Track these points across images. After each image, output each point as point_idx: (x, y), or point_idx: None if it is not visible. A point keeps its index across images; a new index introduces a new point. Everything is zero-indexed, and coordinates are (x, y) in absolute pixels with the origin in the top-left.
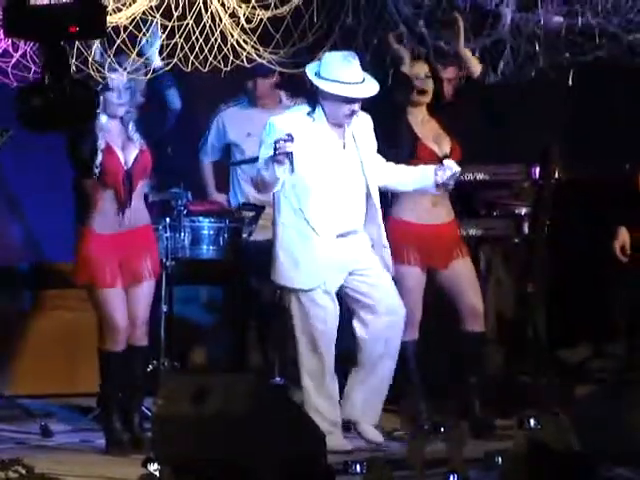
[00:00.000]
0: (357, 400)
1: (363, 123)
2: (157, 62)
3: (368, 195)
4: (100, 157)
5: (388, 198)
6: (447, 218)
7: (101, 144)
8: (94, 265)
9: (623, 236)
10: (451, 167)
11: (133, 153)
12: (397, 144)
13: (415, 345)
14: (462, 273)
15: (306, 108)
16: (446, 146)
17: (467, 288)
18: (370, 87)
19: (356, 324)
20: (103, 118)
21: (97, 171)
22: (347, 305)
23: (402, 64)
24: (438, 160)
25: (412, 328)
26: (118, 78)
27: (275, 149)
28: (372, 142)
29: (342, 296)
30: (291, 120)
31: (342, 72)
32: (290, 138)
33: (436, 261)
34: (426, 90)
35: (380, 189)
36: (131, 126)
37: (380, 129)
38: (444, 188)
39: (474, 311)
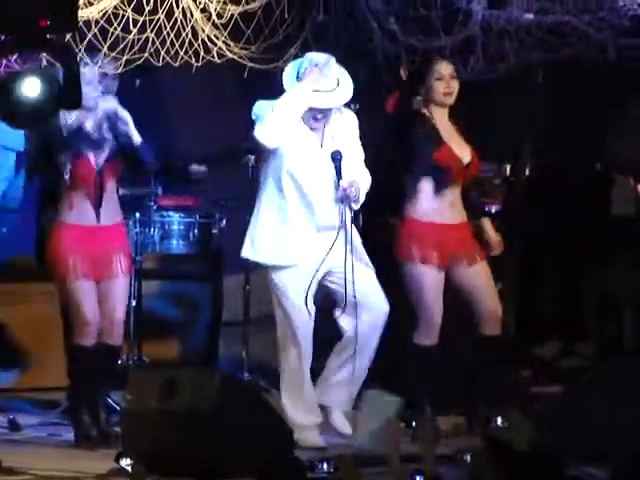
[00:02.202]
0: (332, 386)
1: (346, 121)
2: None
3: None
4: (70, 160)
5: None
6: (462, 219)
7: (73, 144)
8: (65, 259)
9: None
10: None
11: (104, 155)
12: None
13: (433, 351)
14: (482, 275)
15: None
16: (465, 150)
17: (488, 291)
18: (342, 93)
19: (338, 317)
20: (73, 116)
21: (67, 175)
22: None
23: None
24: (458, 163)
25: (430, 332)
26: (91, 71)
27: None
28: (353, 141)
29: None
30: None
31: (314, 79)
32: None
33: (457, 260)
34: (451, 92)
35: None
36: (104, 125)
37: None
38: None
39: (494, 315)
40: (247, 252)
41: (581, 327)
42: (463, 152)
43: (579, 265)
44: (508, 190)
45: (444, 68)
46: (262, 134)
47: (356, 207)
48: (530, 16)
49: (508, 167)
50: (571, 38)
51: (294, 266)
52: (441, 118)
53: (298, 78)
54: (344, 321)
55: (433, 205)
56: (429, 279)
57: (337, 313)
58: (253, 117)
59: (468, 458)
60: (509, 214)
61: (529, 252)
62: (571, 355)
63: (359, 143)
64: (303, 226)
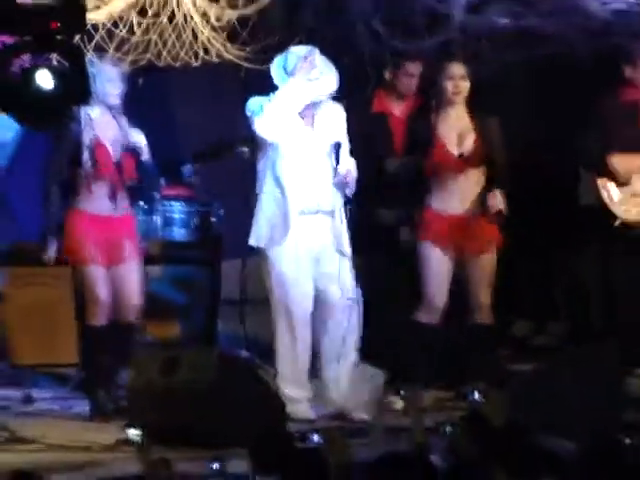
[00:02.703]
0: (326, 362)
1: (334, 113)
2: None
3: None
4: (90, 151)
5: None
6: (478, 211)
7: (92, 139)
8: (81, 244)
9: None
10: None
11: (122, 148)
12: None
13: (431, 330)
14: (487, 267)
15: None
16: (468, 143)
17: (486, 283)
18: (326, 83)
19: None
20: (96, 111)
21: (89, 164)
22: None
23: None
24: (457, 159)
25: (431, 311)
26: (112, 70)
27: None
28: (341, 132)
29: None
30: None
31: (299, 70)
32: None
33: (464, 249)
34: (460, 91)
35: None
36: (124, 121)
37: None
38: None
39: (482, 304)
40: (251, 240)
41: (553, 308)
42: (463, 143)
43: (551, 251)
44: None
45: (455, 69)
46: (263, 127)
47: (350, 193)
48: (505, 20)
49: None
50: (543, 40)
51: (288, 247)
52: (450, 115)
53: (287, 72)
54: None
55: (443, 195)
56: (435, 260)
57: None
58: (248, 113)
59: (448, 429)
60: None
61: (504, 240)
62: (543, 334)
63: (346, 134)
64: (297, 211)
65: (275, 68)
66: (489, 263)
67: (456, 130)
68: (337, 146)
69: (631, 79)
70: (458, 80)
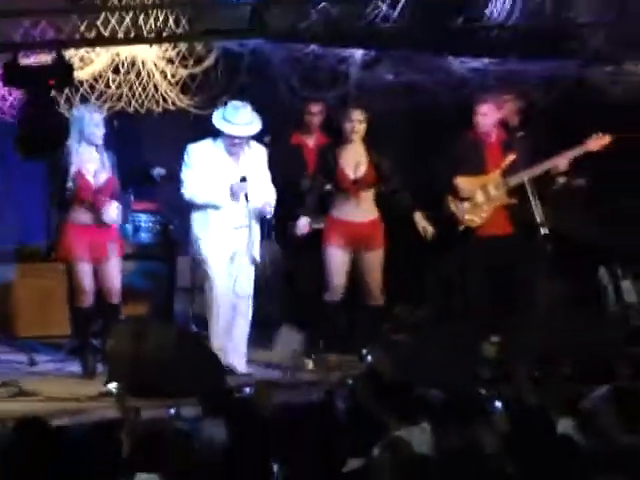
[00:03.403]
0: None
1: (257, 154)
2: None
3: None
4: (73, 180)
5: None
6: (371, 216)
7: (74, 169)
8: (70, 247)
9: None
10: (300, 228)
11: (103, 176)
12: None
13: (335, 306)
14: (376, 259)
15: (212, 138)
16: (360, 170)
17: (377, 273)
18: (252, 128)
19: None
20: (81, 147)
21: (70, 190)
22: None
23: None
24: (352, 182)
25: (334, 294)
26: (99, 116)
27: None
28: (262, 169)
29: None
30: (202, 146)
31: (232, 117)
32: (244, 180)
33: (358, 247)
34: (357, 131)
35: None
36: (105, 155)
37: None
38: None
39: (372, 290)
40: (191, 249)
41: (424, 296)
42: (358, 170)
43: (423, 251)
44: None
45: (354, 114)
46: (189, 196)
47: (269, 216)
48: (391, 76)
49: None
50: (419, 92)
51: (215, 253)
52: (349, 149)
53: (225, 119)
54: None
55: (343, 207)
56: (335, 256)
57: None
58: (185, 158)
59: (350, 381)
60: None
61: (389, 243)
62: (417, 313)
63: (266, 168)
64: (220, 227)
65: (216, 115)
66: (377, 258)
67: (353, 160)
68: (245, 179)
69: (475, 122)
70: (356, 123)
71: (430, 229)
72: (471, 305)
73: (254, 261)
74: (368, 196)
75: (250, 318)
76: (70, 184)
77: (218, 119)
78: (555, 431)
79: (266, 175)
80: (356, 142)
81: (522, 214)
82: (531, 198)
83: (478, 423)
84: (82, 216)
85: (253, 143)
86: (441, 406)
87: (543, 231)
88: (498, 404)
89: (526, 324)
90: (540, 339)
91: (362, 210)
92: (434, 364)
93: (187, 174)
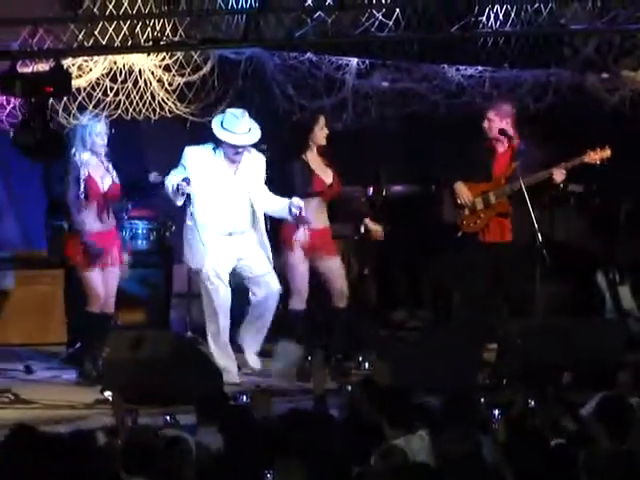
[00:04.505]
0: (246, 336)
1: (255, 161)
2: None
3: (253, 210)
4: (84, 184)
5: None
6: (325, 224)
7: (85, 174)
8: (82, 252)
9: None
10: (297, 205)
11: (108, 182)
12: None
13: (303, 313)
14: (335, 265)
15: (212, 145)
16: (329, 177)
17: (339, 277)
18: (252, 136)
19: (250, 293)
20: (86, 155)
21: (83, 194)
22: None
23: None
24: (328, 187)
25: (301, 300)
26: (102, 126)
27: (178, 188)
28: (260, 175)
29: (238, 277)
30: (200, 152)
31: (233, 126)
32: (187, 182)
33: (319, 253)
34: (326, 137)
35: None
36: (108, 163)
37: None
38: (294, 219)
39: (342, 293)
40: (184, 260)
41: (420, 301)
42: (327, 178)
43: (418, 258)
44: (370, 205)
45: (322, 121)
46: (167, 183)
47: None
48: (386, 83)
49: (371, 189)
50: (415, 99)
51: (209, 262)
52: (316, 156)
53: (223, 127)
54: (253, 295)
55: (311, 217)
56: (298, 263)
57: (250, 290)
58: (182, 162)
59: (348, 388)
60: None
61: (386, 248)
62: (414, 319)
63: (264, 174)
64: (217, 233)
65: (214, 122)
66: (338, 261)
67: (322, 166)
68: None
69: (485, 130)
70: (325, 129)
71: (380, 230)
72: (468, 311)
73: (264, 263)
74: (325, 203)
75: (270, 317)
76: (81, 189)
77: (218, 128)
78: (549, 441)
79: (263, 187)
80: (321, 148)
81: (520, 221)
82: (529, 205)
83: (477, 431)
84: (92, 221)
85: (252, 150)
86: (439, 414)
87: (541, 238)
88: (496, 411)
89: (524, 331)
90: (538, 346)
91: (323, 216)
92: (431, 370)
93: (177, 171)
